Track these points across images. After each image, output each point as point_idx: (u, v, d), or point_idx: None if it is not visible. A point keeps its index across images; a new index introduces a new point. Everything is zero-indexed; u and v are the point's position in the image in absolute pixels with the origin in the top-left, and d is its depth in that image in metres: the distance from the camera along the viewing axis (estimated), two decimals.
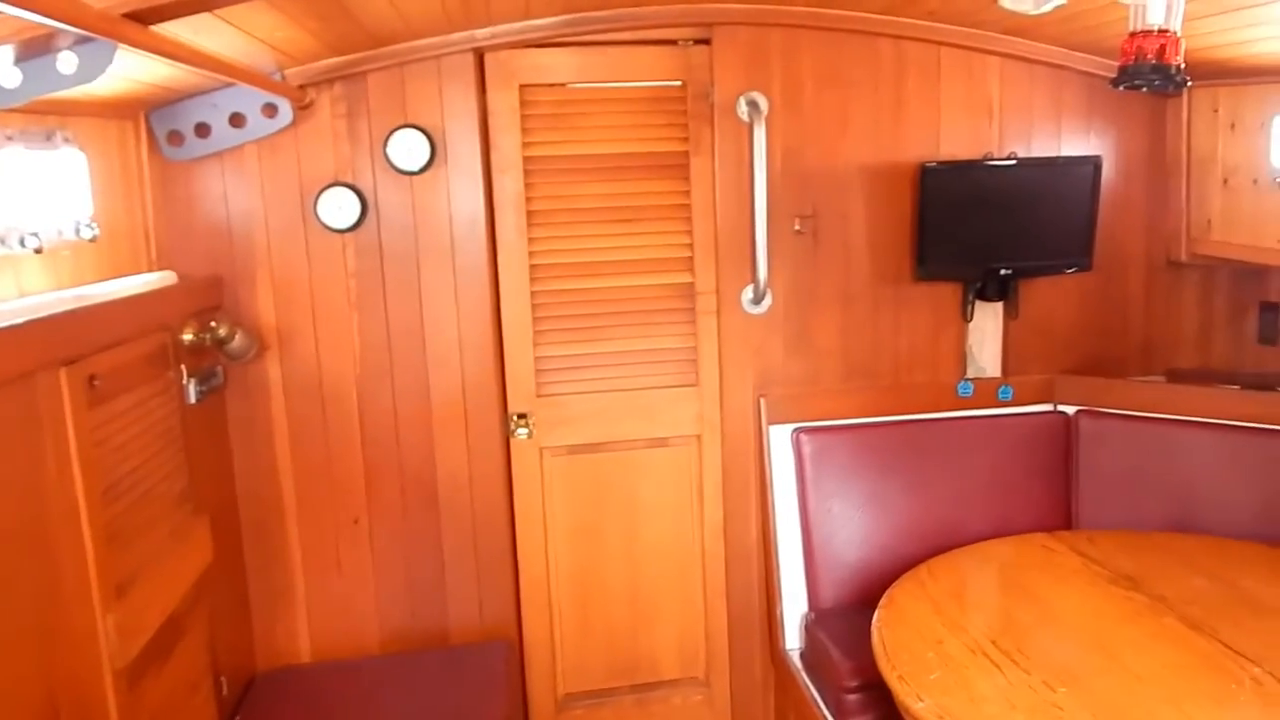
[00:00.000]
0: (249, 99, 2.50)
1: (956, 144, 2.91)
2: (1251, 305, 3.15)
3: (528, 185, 2.77)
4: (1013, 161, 2.90)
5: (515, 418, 2.89)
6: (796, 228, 2.89)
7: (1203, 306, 3.18)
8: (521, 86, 2.72)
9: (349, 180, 2.65)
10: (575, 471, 2.95)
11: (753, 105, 2.74)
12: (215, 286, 2.62)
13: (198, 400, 2.40)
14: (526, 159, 2.76)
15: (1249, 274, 3.09)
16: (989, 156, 2.91)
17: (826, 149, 2.86)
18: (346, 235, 2.67)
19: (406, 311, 2.74)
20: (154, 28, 1.58)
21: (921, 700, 1.91)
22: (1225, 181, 2.92)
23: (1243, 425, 2.79)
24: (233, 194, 2.61)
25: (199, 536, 2.34)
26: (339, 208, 2.63)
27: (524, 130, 2.74)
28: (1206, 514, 2.76)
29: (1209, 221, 2.99)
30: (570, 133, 2.77)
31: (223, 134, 2.53)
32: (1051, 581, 2.43)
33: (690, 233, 2.86)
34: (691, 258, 2.87)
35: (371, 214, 2.68)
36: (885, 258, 2.95)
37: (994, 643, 2.11)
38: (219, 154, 2.57)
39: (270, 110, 2.54)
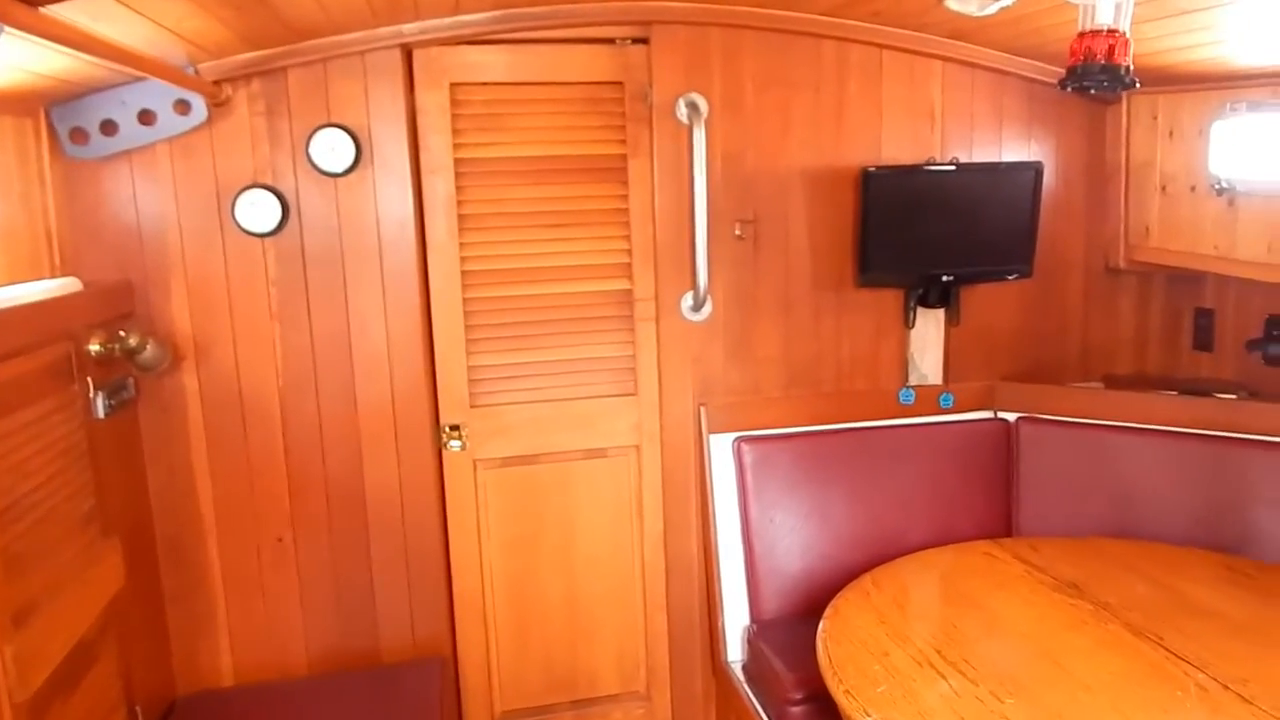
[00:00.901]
0: (159, 95, 2.36)
1: (898, 149, 2.89)
2: (1187, 311, 3.18)
3: (459, 188, 2.67)
4: (954, 167, 2.88)
5: (448, 429, 2.79)
6: (737, 233, 2.83)
7: (1140, 312, 3.20)
8: (452, 85, 2.62)
9: (269, 182, 2.52)
10: (511, 484, 2.86)
11: (692, 107, 2.68)
12: (125, 294, 2.47)
13: (106, 414, 2.26)
14: (458, 161, 2.66)
15: (1185, 280, 3.12)
16: (931, 161, 2.89)
17: (768, 152, 2.82)
18: (267, 240, 2.55)
19: (331, 319, 2.62)
20: (44, 10, 1.45)
21: (869, 715, 1.87)
22: (1163, 188, 2.94)
23: (1179, 431, 2.81)
24: (143, 195, 2.47)
25: (109, 559, 2.21)
26: (258, 211, 2.51)
27: (455, 131, 2.64)
28: (1145, 519, 2.76)
29: (1147, 228, 3.01)
30: (504, 134, 2.68)
31: (131, 132, 2.38)
32: (995, 589, 2.40)
33: (628, 238, 2.78)
34: (630, 263, 2.80)
35: (293, 217, 2.55)
36: (827, 264, 2.91)
37: (940, 653, 2.08)
38: (128, 153, 2.43)
39: (183, 107, 2.40)
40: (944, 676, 1.99)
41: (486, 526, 2.86)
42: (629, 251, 2.79)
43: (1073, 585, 2.37)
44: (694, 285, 2.75)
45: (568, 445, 2.86)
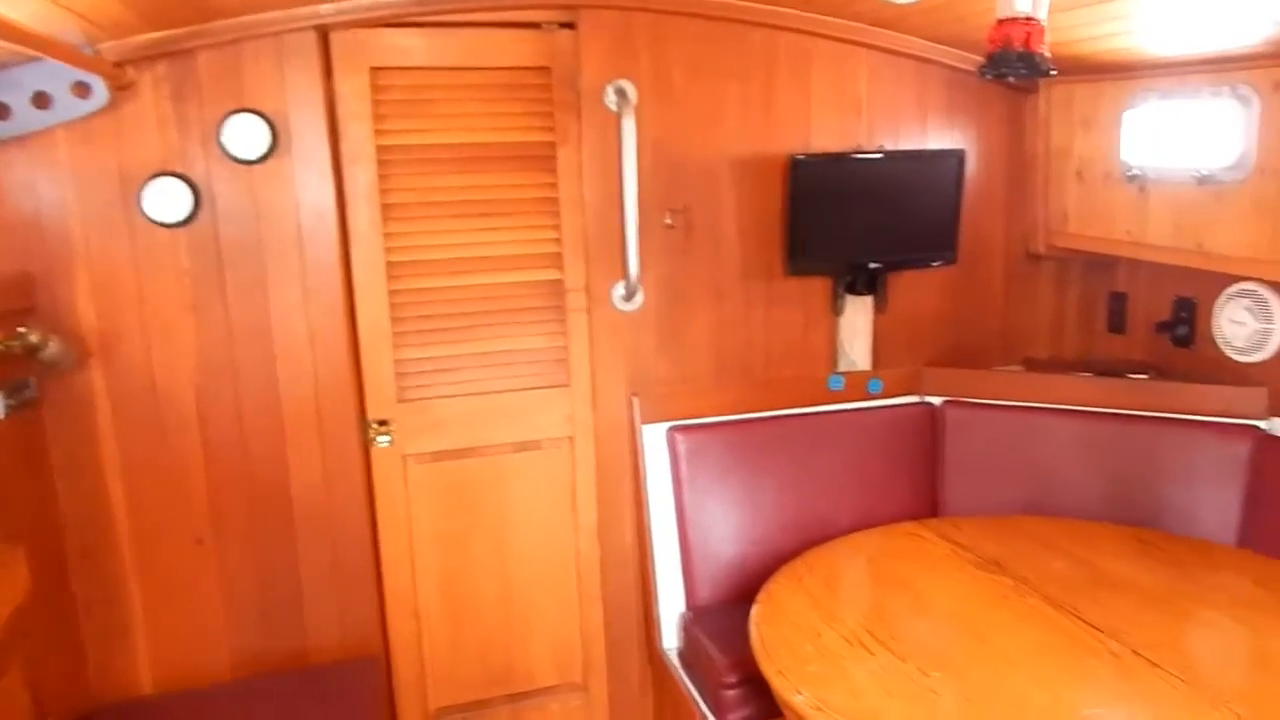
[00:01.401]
0: (56, 76, 2.23)
1: (826, 137, 2.91)
2: (1102, 295, 3.28)
3: (382, 176, 2.60)
4: (881, 155, 2.91)
5: (375, 424, 2.72)
6: (668, 222, 2.82)
7: (1058, 297, 3.29)
8: (372, 69, 2.54)
9: (178, 170, 2.41)
10: (442, 479, 2.80)
11: (621, 94, 2.65)
12: (25, 288, 2.34)
13: (6, 415, 2.14)
14: (380, 148, 2.58)
15: (1100, 265, 3.22)
16: (858, 150, 2.92)
17: (697, 140, 2.80)
18: (178, 230, 2.44)
19: (250, 313, 2.53)
20: None
21: (800, 693, 1.90)
22: (1080, 176, 3.03)
23: (1094, 410, 2.90)
24: (41, 183, 2.34)
25: (11, 568, 2.09)
26: (168, 199, 2.40)
27: (376, 117, 2.56)
28: (1062, 496, 2.85)
29: (1065, 215, 3.10)
30: (427, 120, 2.61)
31: (25, 115, 2.25)
32: (922, 569, 2.46)
33: (558, 227, 2.74)
34: (560, 253, 2.76)
35: (206, 206, 2.45)
36: (757, 252, 2.92)
37: (869, 632, 2.13)
38: (22, 138, 2.29)
39: (82, 90, 2.27)
40: (873, 654, 2.03)
41: (417, 522, 2.80)
42: (559, 241, 2.75)
43: (995, 562, 2.43)
44: (625, 275, 2.73)
45: (500, 438, 2.82)
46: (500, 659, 2.93)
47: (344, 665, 2.69)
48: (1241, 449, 2.68)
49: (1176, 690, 1.85)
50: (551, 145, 2.70)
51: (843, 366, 3.05)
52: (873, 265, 2.95)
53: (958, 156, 2.93)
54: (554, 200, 2.73)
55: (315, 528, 2.67)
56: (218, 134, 2.41)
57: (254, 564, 2.64)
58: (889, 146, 2.95)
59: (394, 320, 2.67)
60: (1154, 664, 1.94)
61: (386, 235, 2.63)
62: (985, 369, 3.15)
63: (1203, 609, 2.24)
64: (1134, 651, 1.99)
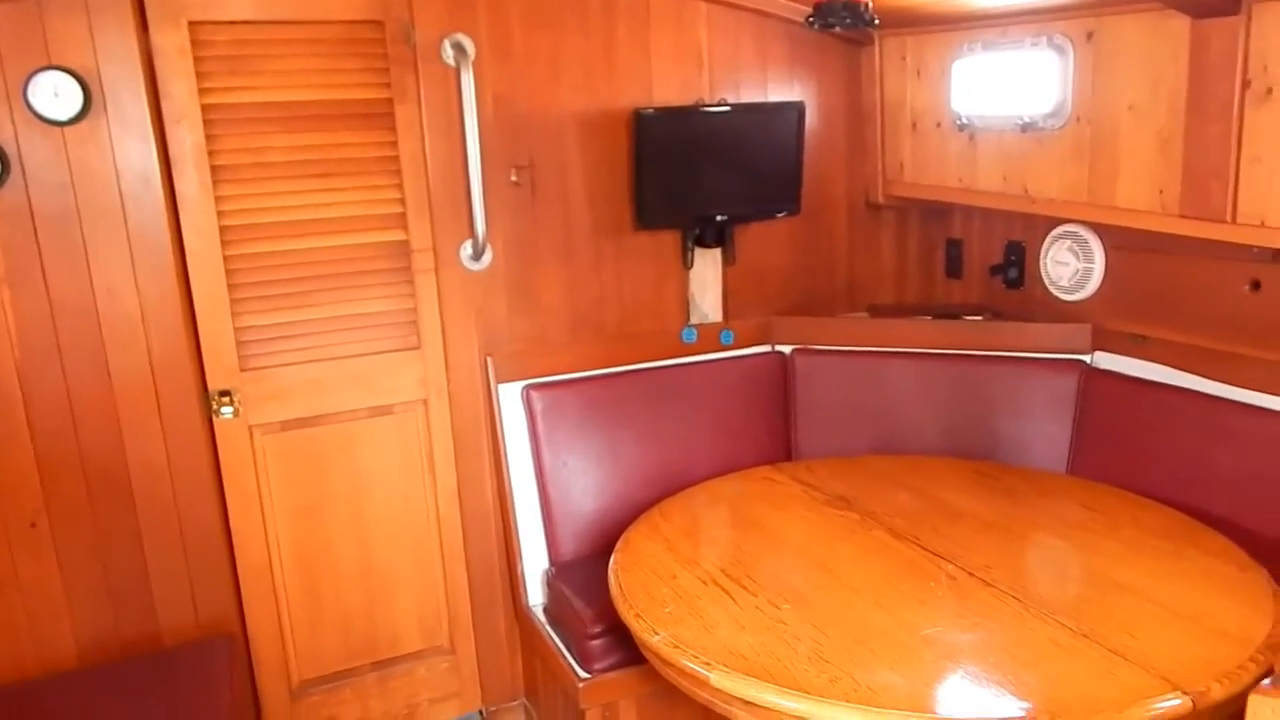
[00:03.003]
0: None
1: (669, 91, 2.93)
2: (939, 242, 3.43)
3: (210, 137, 2.48)
4: (725, 108, 2.96)
5: (217, 395, 2.62)
6: (513, 179, 2.80)
7: (899, 245, 3.43)
8: (191, 24, 2.41)
9: None
10: (292, 448, 2.73)
11: (458, 48, 2.61)
12: None
13: None
14: (206, 107, 2.46)
15: (937, 213, 3.36)
16: (701, 103, 2.96)
17: (540, 96, 2.78)
18: None
19: (72, 284, 2.40)
20: None
21: (657, 634, 1.96)
22: (914, 126, 3.15)
23: (935, 352, 3.04)
24: None
25: None
26: None
27: (200, 75, 2.44)
28: (907, 435, 2.99)
29: (901, 164, 3.22)
30: (256, 78, 2.50)
31: None
32: (774, 510, 2.54)
33: (400, 186, 2.68)
34: (404, 213, 2.70)
35: (16, 171, 2.30)
36: (605, 208, 2.93)
37: (724, 572, 2.20)
38: None
39: None
40: (728, 593, 2.10)
41: (268, 494, 2.72)
42: (402, 201, 2.70)
43: (843, 499, 2.54)
44: (472, 234, 2.71)
45: (351, 404, 2.76)
46: (363, 628, 2.88)
47: (199, 645, 2.60)
48: (1069, 383, 2.86)
49: (1009, 606, 1.98)
50: (389, 102, 2.63)
51: (695, 319, 3.10)
52: (719, 218, 3.00)
53: (798, 109, 3.00)
54: (394, 159, 2.67)
55: (159, 506, 2.57)
56: (24, 92, 2.26)
57: (95, 547, 2.53)
58: (731, 99, 3.00)
59: (231, 287, 2.57)
60: (988, 584, 2.07)
61: (218, 199, 2.52)
62: (832, 316, 3.26)
63: (1035, 532, 2.40)
64: (969, 574, 2.11)
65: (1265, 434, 2.36)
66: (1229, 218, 2.21)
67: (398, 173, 2.68)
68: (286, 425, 2.71)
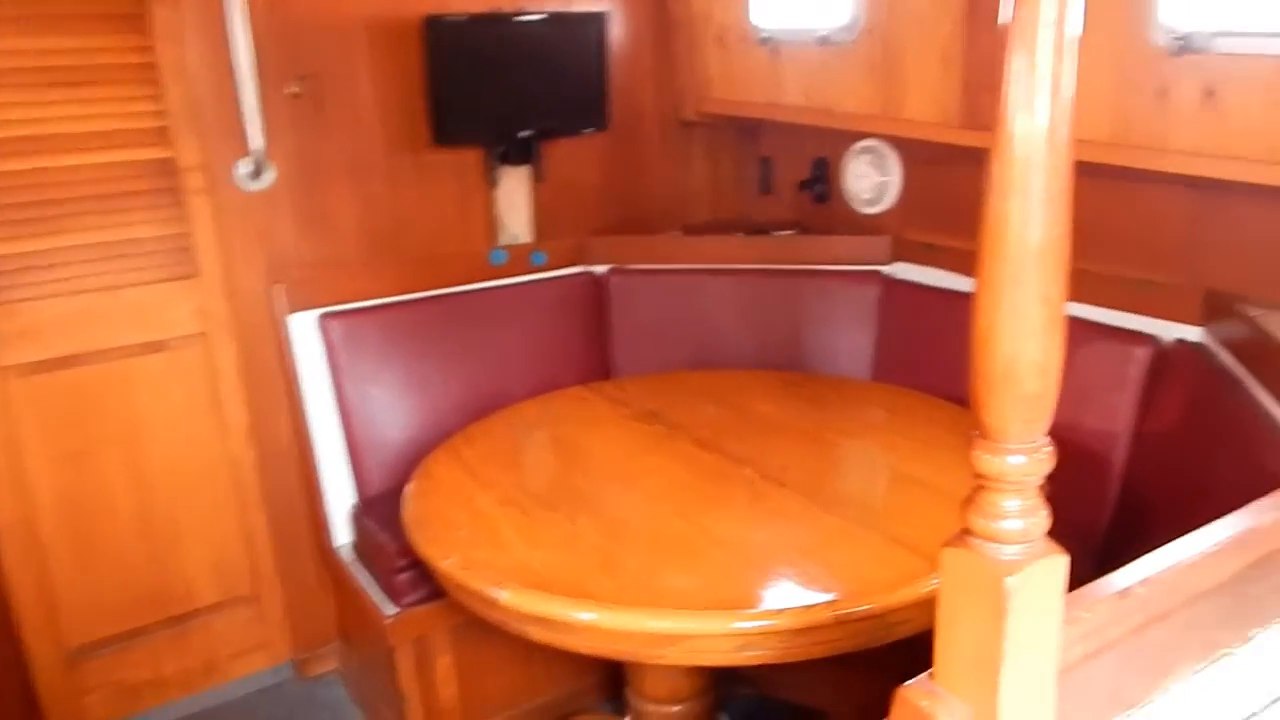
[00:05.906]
0: None
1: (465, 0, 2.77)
2: (751, 159, 3.42)
3: None
4: (525, 16, 2.82)
5: None
6: (294, 90, 2.59)
7: (712, 162, 3.39)
8: None
9: None
10: (51, 391, 2.46)
11: None
12: None
13: None
14: None
15: (747, 129, 3.34)
16: (497, 10, 2.80)
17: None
18: None
19: None
20: None
21: (449, 558, 1.88)
22: (720, 40, 3.10)
23: (747, 268, 3.04)
24: None
25: None
26: None
27: None
28: (723, 350, 2.99)
29: (709, 80, 3.18)
30: None
31: None
32: (581, 428, 2.49)
33: (160, 98, 2.42)
34: (166, 128, 2.45)
35: None
36: (400, 123, 2.76)
37: (524, 491, 2.15)
38: None
39: None
40: (525, 512, 2.04)
41: (25, 444, 2.44)
42: (163, 114, 2.44)
43: (651, 413, 2.51)
44: (249, 151, 2.49)
45: (117, 340, 2.50)
46: (149, 582, 2.66)
47: None
48: (871, 293, 2.92)
49: (798, 503, 2.01)
50: (142, 3, 2.37)
51: (504, 241, 2.98)
52: (523, 134, 2.87)
53: (600, 19, 2.90)
54: (152, 66, 2.40)
55: None
56: None
57: None
58: (531, 8, 2.86)
59: None
60: (783, 484, 2.09)
61: None
62: (646, 235, 3.21)
63: (835, 436, 2.44)
64: (765, 476, 2.12)
65: None
66: None
67: (156, 82, 2.42)
68: (42, 366, 2.43)
